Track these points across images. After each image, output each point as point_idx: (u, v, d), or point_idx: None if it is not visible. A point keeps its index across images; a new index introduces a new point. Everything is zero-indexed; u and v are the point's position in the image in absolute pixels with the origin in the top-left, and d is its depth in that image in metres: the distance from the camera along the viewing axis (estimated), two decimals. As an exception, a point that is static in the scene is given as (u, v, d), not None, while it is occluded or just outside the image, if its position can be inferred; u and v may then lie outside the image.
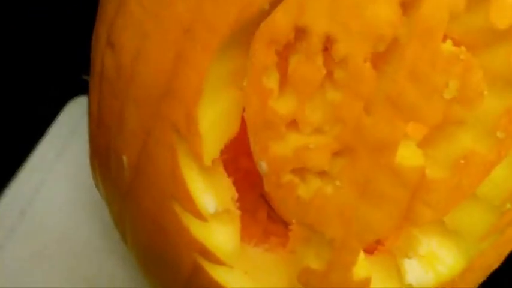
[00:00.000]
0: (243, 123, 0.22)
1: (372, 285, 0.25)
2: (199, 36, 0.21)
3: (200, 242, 0.23)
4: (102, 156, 0.26)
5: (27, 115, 0.45)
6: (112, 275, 0.36)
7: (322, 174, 0.22)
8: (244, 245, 0.26)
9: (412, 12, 0.20)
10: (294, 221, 0.23)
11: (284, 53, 0.21)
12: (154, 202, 0.24)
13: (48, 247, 0.37)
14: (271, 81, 0.21)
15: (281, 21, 0.20)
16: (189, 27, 0.21)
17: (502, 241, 0.26)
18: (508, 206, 0.24)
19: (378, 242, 0.28)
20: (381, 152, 0.21)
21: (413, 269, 0.26)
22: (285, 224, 0.25)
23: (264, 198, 0.30)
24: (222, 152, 0.24)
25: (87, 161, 0.30)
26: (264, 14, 0.20)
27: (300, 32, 0.20)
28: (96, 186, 0.29)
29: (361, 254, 0.24)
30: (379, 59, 0.21)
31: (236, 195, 0.25)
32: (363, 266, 0.24)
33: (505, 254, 0.28)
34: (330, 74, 0.20)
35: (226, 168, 0.25)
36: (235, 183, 0.25)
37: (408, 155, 0.22)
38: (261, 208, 0.29)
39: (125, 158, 0.24)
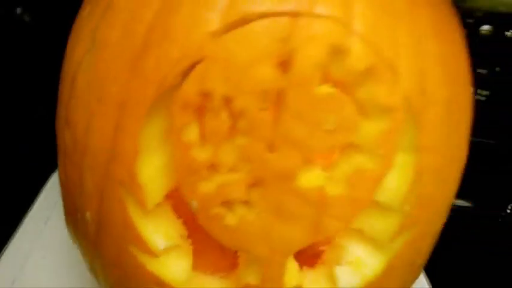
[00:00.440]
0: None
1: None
2: (130, 109, 0.26)
3: (155, 275, 0.28)
4: (73, 215, 0.32)
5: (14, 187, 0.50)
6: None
7: (244, 203, 0.27)
8: (200, 274, 0.31)
9: (289, 69, 0.25)
10: (226, 245, 0.27)
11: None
12: (115, 248, 0.29)
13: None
14: (191, 136, 0.26)
15: (189, 89, 0.25)
16: (121, 103, 0.27)
17: (414, 238, 0.31)
18: (407, 208, 0.29)
19: (317, 256, 0.33)
20: (285, 180, 0.26)
21: (343, 274, 0.31)
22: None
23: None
24: (172, 197, 0.29)
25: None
26: (178, 85, 0.26)
27: (206, 96, 0.26)
28: (73, 241, 0.34)
29: (293, 266, 0.29)
30: (275, 107, 0.26)
31: (186, 232, 0.30)
32: (293, 276, 0.29)
33: (425, 249, 0.33)
34: (234, 125, 0.26)
35: (178, 209, 0.30)
36: (187, 222, 0.30)
37: (311, 179, 0.27)
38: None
39: (88, 214, 0.29)
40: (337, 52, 0.25)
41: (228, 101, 0.25)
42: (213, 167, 0.26)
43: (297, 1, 0.25)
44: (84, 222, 0.30)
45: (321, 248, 0.33)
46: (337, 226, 0.28)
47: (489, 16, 0.61)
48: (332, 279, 0.31)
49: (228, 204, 0.27)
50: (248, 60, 0.25)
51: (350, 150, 0.28)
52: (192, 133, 0.26)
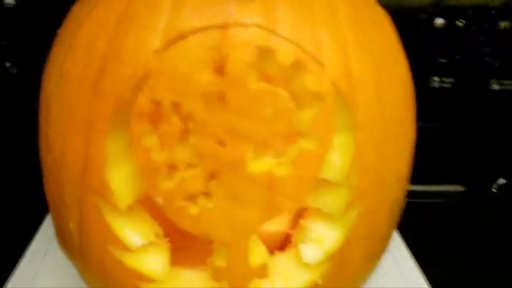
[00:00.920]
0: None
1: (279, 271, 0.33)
2: (95, 126, 0.30)
3: (133, 269, 0.32)
4: (60, 230, 0.35)
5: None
6: None
7: (205, 194, 0.31)
8: (179, 268, 0.34)
9: (225, 72, 0.29)
10: (192, 234, 0.31)
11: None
12: (97, 251, 0.32)
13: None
14: (150, 142, 0.30)
15: (142, 101, 0.29)
16: (88, 122, 0.31)
17: (367, 210, 0.34)
18: (353, 182, 0.33)
19: (287, 240, 0.36)
20: (237, 169, 0.30)
21: (307, 250, 0.34)
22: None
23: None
24: (148, 202, 0.33)
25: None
26: (133, 99, 0.30)
27: (157, 104, 0.29)
28: (63, 252, 0.37)
29: (257, 247, 0.33)
30: (219, 107, 0.30)
31: (161, 231, 0.34)
32: (258, 255, 0.32)
33: (382, 220, 0.36)
34: (186, 127, 0.30)
35: (154, 212, 0.33)
36: (163, 223, 0.34)
37: (260, 165, 0.31)
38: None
39: (71, 224, 0.33)
40: (265, 53, 0.29)
41: (176, 106, 0.29)
42: (172, 166, 0.30)
43: (225, 15, 0.29)
44: (69, 233, 0.33)
45: (290, 232, 0.37)
46: (289, 204, 0.31)
47: (441, 9, 0.66)
48: (298, 256, 0.34)
49: (191, 197, 0.31)
50: (188, 69, 0.29)
51: (295, 136, 0.31)
52: (150, 139, 0.30)
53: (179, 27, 0.29)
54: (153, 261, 0.32)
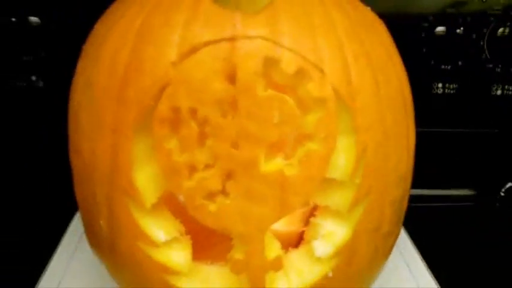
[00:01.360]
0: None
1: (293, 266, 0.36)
2: (120, 132, 0.34)
3: (161, 263, 0.35)
4: (90, 228, 0.39)
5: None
6: None
7: (222, 193, 0.34)
8: (200, 264, 0.37)
9: (235, 80, 0.32)
10: (211, 228, 0.34)
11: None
12: (126, 246, 0.35)
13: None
14: (171, 145, 0.33)
15: (163, 107, 0.33)
16: (114, 128, 0.34)
17: (371, 207, 0.37)
18: (357, 180, 0.35)
19: (301, 237, 0.39)
20: (250, 169, 0.33)
21: (319, 246, 0.37)
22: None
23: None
24: (170, 202, 0.36)
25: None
26: (154, 106, 0.33)
27: (176, 111, 0.33)
28: (93, 252, 0.41)
29: (272, 241, 0.35)
30: (232, 112, 0.33)
31: (183, 228, 0.37)
32: (273, 250, 0.35)
33: (387, 216, 0.39)
34: (203, 130, 0.33)
35: (176, 212, 0.36)
36: (185, 221, 0.37)
37: (271, 165, 0.34)
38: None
39: (101, 222, 0.36)
40: (271, 62, 0.33)
41: (193, 112, 0.32)
42: (192, 167, 0.33)
43: (232, 29, 0.33)
44: (99, 230, 0.37)
45: (302, 230, 0.39)
46: (299, 201, 0.34)
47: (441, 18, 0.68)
48: (310, 252, 0.37)
49: (210, 195, 0.34)
50: (202, 79, 0.32)
51: (302, 139, 0.34)
52: (171, 142, 0.33)
53: (192, 41, 0.33)
54: (177, 255, 0.35)
